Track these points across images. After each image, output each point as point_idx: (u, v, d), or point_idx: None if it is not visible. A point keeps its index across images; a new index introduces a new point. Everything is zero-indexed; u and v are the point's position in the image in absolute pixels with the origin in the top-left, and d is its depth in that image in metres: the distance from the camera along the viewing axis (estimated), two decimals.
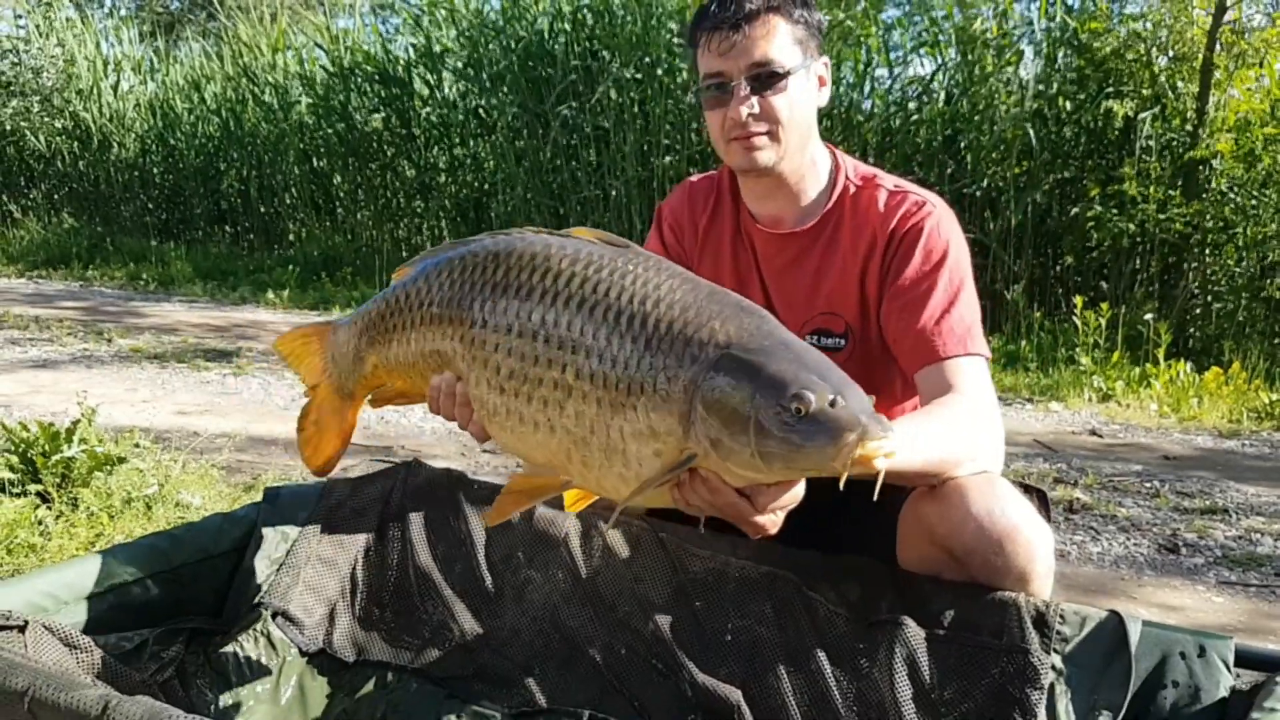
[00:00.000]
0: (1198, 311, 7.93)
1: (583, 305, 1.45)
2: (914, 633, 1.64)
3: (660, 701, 1.74)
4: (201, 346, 7.24)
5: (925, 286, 1.83)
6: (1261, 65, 8.07)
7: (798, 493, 1.40)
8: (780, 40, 1.83)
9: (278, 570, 1.93)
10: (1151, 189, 7.81)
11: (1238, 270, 7.96)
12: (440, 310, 1.59)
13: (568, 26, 9.77)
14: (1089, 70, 8.32)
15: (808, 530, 1.67)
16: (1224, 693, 1.48)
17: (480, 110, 10.93)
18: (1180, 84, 8.18)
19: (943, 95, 8.90)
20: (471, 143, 11.17)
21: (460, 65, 11.04)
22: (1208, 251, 8.10)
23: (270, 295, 9.92)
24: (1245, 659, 1.53)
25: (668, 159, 9.35)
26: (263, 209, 13.34)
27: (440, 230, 11.62)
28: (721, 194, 2.08)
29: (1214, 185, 8.08)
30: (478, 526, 1.99)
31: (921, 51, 9.48)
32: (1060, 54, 8.65)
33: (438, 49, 11.09)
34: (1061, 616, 1.60)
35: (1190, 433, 5.56)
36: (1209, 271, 8.16)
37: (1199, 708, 1.48)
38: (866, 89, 9.32)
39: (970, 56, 8.76)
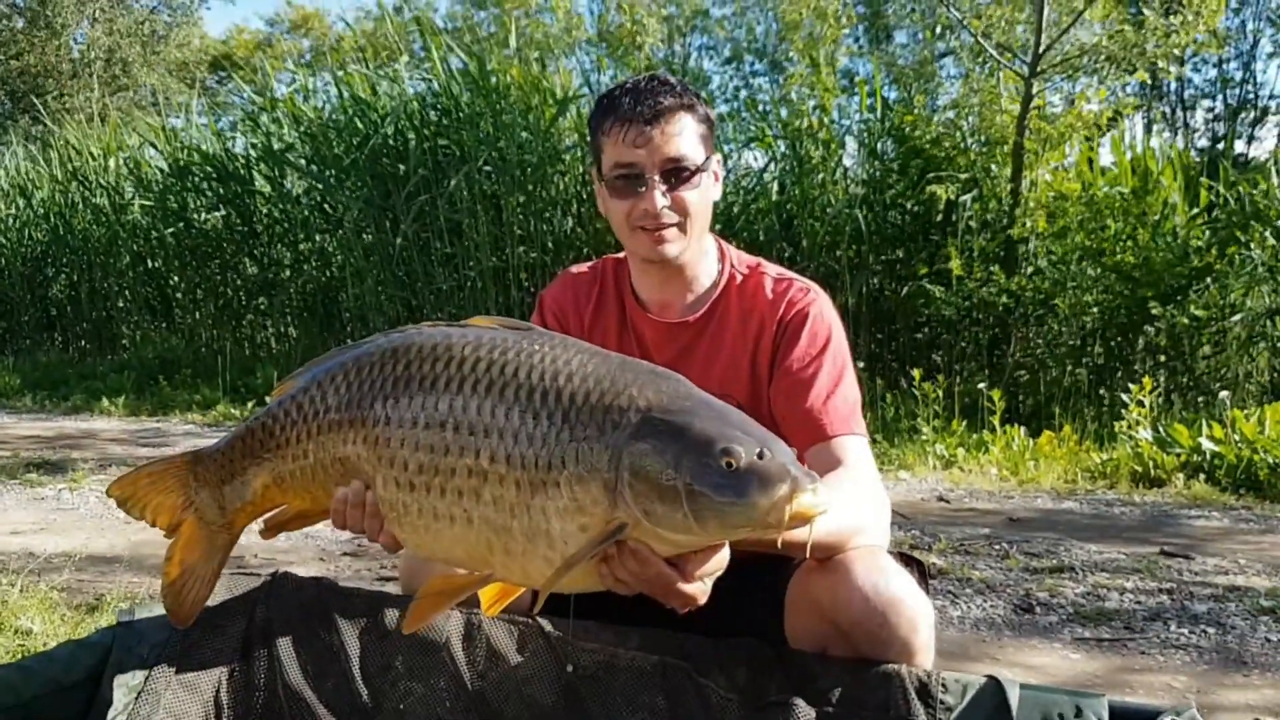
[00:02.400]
0: (1025, 378, 8.40)
1: (491, 388, 1.44)
2: (804, 713, 1.65)
3: None
4: (33, 460, 6.79)
5: (812, 369, 1.90)
6: (1065, 147, 8.74)
7: (724, 557, 1.41)
8: (689, 137, 1.91)
9: (136, 699, 1.81)
10: (974, 267, 8.28)
11: (1060, 339, 8.49)
12: (339, 415, 1.55)
13: (415, 123, 9.79)
14: (910, 158, 8.83)
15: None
16: None
17: (326, 205, 10.78)
18: (994, 167, 8.76)
19: (776, 185, 9.27)
20: (318, 237, 10.99)
21: (304, 162, 10.91)
22: (1030, 323, 8.62)
23: (105, 403, 9.43)
24: (1118, 714, 1.59)
25: (522, 249, 9.40)
26: (94, 313, 12.75)
27: (286, 325, 11.33)
28: (605, 285, 2.12)
29: (1030, 262, 8.64)
30: (351, 638, 1.91)
31: (752, 145, 9.91)
32: (880, 144, 9.17)
33: (279, 146, 10.94)
34: (944, 685, 1.64)
35: (1030, 494, 5.84)
36: (1031, 342, 8.68)
37: None
38: None
39: (798, 149, 9.19)
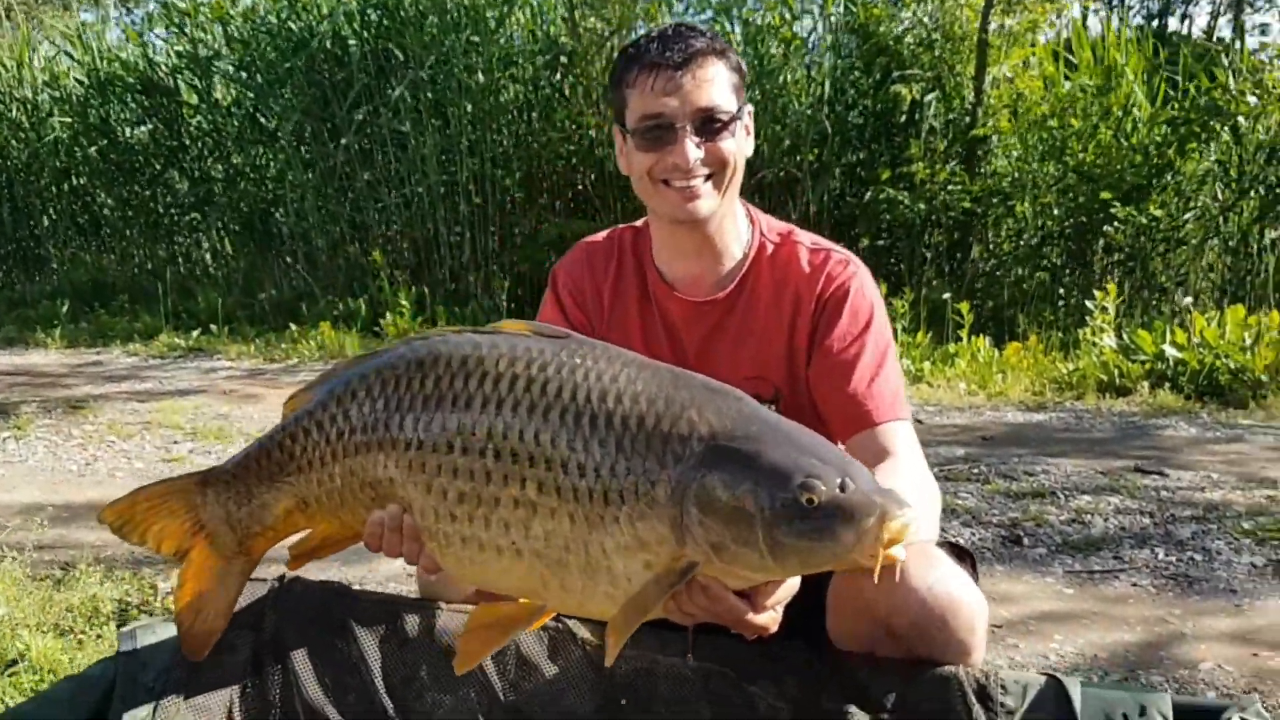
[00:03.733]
0: (985, 284, 8.40)
1: (534, 410, 1.31)
2: None
3: None
4: None
5: (854, 350, 1.80)
6: (1031, 45, 8.61)
7: (794, 584, 1.33)
8: (721, 85, 1.77)
9: None
10: (938, 169, 8.19)
11: (1021, 242, 8.48)
12: (367, 435, 1.41)
13: (356, 27, 9.32)
14: (874, 55, 8.63)
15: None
16: None
17: (259, 116, 10.31)
18: (959, 66, 8.59)
19: None
20: (251, 151, 10.53)
21: (232, 69, 10.37)
22: (990, 225, 8.59)
23: (40, 334, 9.05)
24: (1181, 712, 1.55)
25: (471, 161, 9.09)
26: (18, 234, 12.18)
27: (223, 244, 10.93)
28: (623, 258, 1.98)
29: (991, 162, 8.57)
30: (370, 647, 1.81)
31: None
32: (845, 41, 8.94)
33: (205, 53, 10.36)
34: (1002, 687, 1.59)
35: (999, 408, 5.87)
36: (992, 245, 8.67)
37: None
38: None
39: (759, 48, 8.92)
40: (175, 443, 5.06)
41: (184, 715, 1.74)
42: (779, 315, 1.88)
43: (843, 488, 1.21)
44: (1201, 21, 16.97)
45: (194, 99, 10.81)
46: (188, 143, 10.92)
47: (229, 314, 8.73)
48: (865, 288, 1.87)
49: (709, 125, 1.76)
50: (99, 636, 2.70)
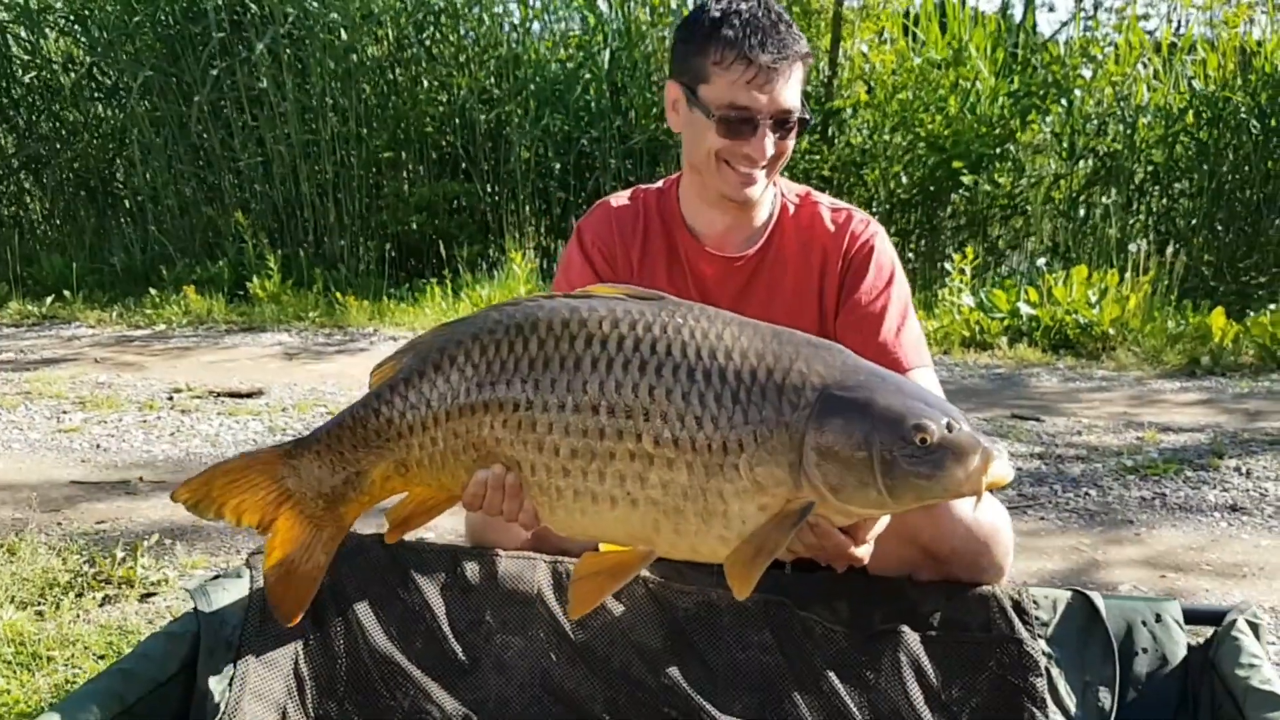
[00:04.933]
0: None
1: (645, 367, 1.40)
2: (911, 639, 1.76)
3: None
4: None
5: (881, 302, 1.95)
6: (880, 19, 9.01)
7: (887, 519, 1.46)
8: (797, 86, 1.87)
9: (229, 686, 1.71)
10: (803, 140, 8.49)
11: (874, 210, 8.90)
12: (471, 398, 1.46)
13: None
14: None
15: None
16: (1184, 652, 1.73)
17: (97, 71, 9.68)
18: (815, 39, 8.90)
19: (607, 54, 9.06)
20: (88, 108, 9.89)
21: (63, 23, 9.69)
22: (844, 194, 8.98)
23: None
24: (1191, 616, 1.79)
25: (334, 120, 8.83)
26: None
27: (60, 207, 10.24)
28: (649, 220, 2.05)
29: (845, 134, 8.95)
30: (433, 595, 1.86)
31: (574, 7, 9.61)
32: None
33: (36, 5, 9.63)
34: (1035, 603, 1.78)
35: None
36: None
37: (1168, 669, 1.72)
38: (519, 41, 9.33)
39: (626, 13, 8.99)
40: (64, 413, 4.81)
41: (256, 669, 1.76)
42: (808, 270, 2.01)
43: (949, 428, 1.35)
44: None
45: (23, 55, 10.05)
46: (16, 97, 10.14)
47: (80, 279, 8.23)
48: (885, 244, 2.02)
49: (784, 124, 1.87)
50: (57, 606, 2.63)
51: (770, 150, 1.86)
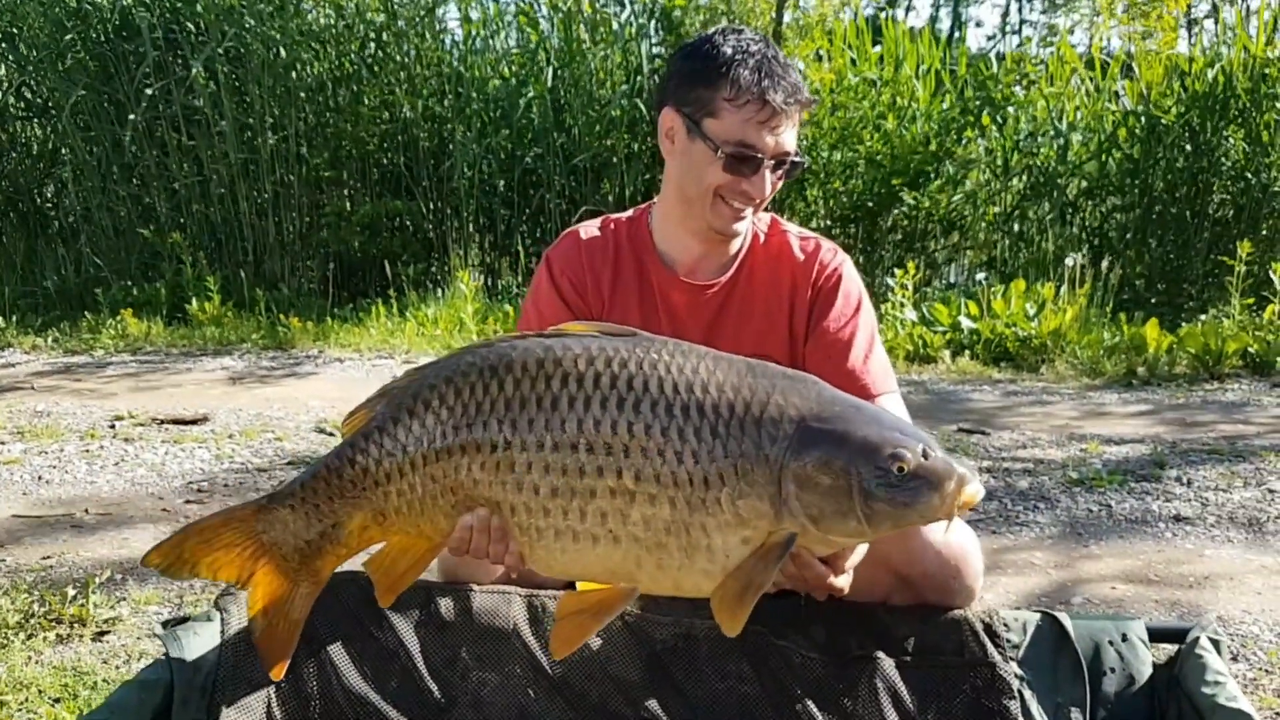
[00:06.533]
0: None
1: (623, 404, 1.40)
2: (886, 665, 1.78)
3: None
4: None
5: (849, 330, 1.98)
6: (821, 37, 9.15)
7: (864, 548, 1.48)
8: (795, 130, 1.89)
9: None
10: None
11: (813, 226, 9.01)
12: (448, 442, 1.45)
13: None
14: (677, 43, 8.91)
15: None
16: (1150, 670, 1.78)
17: (26, 90, 9.46)
18: None
19: (550, 72, 9.08)
20: (20, 126, 9.65)
21: None
22: (783, 211, 9.09)
23: None
24: (1155, 634, 1.83)
25: (274, 138, 8.72)
26: None
27: None
28: (619, 249, 2.06)
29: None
30: (408, 632, 1.85)
31: (515, 23, 9.62)
32: (647, 27, 9.17)
33: None
34: (1005, 625, 1.82)
35: None
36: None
37: (1136, 688, 1.76)
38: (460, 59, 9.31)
39: (570, 31, 9.02)
40: (2, 443, 4.67)
41: (229, 715, 1.73)
42: (778, 298, 2.03)
43: (925, 455, 1.38)
44: (925, 14, 18.37)
45: None
46: None
47: (11, 304, 8.01)
48: (852, 273, 2.06)
49: (781, 164, 1.90)
50: (6, 647, 2.56)
51: (768, 190, 1.89)
